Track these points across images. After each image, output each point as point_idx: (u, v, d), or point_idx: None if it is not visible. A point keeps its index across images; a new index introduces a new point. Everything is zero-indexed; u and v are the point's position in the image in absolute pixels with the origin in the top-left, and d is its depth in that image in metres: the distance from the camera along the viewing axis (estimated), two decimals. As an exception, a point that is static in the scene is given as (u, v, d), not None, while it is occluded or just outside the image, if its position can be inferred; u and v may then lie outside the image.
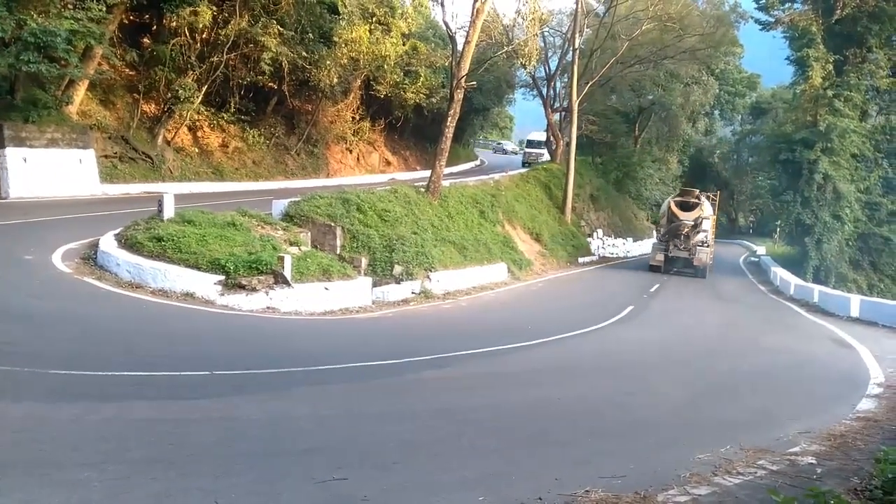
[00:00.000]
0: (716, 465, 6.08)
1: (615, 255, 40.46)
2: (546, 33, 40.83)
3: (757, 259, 46.23)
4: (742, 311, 23.98)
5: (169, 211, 16.07)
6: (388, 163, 45.89)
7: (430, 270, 19.80)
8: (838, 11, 38.42)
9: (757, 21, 42.86)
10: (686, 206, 32.05)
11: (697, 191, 34.04)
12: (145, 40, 29.84)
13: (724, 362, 14.30)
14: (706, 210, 32.71)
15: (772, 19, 42.10)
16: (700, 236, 31.95)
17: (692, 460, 6.27)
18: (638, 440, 7.73)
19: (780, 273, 33.09)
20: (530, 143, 54.11)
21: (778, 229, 60.94)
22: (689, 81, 51.04)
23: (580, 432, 7.92)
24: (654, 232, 37.52)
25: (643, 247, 46.82)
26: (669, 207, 32.80)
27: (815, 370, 13.95)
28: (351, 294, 16.25)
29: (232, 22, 28.81)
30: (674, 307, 23.10)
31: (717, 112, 71.33)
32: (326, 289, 15.51)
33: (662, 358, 14.37)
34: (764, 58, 54.66)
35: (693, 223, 31.48)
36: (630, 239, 44.73)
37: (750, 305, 25.92)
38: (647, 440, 7.75)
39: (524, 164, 48.53)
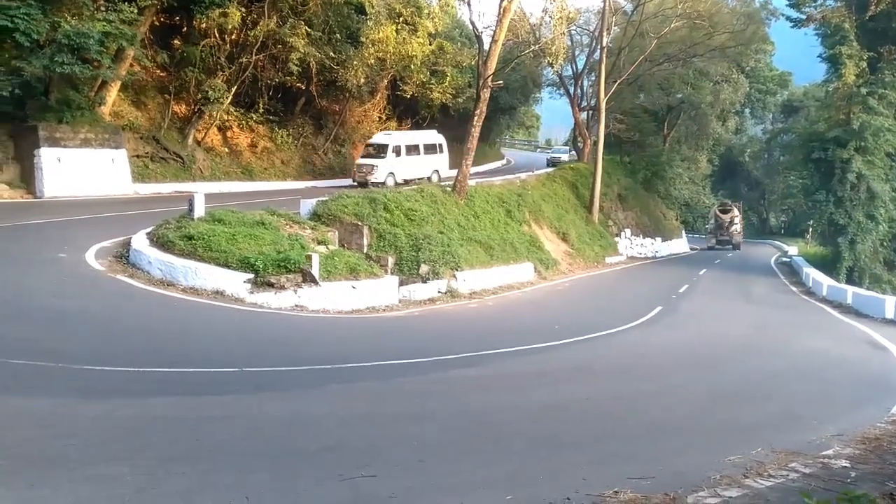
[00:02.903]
0: (746, 468, 5.98)
1: (643, 255, 40.08)
2: (573, 32, 40.65)
3: (788, 259, 45.43)
4: (773, 313, 23.59)
5: (199, 210, 16.29)
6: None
7: (457, 270, 19.80)
8: (872, 8, 37.55)
9: (788, 18, 42.08)
10: (725, 211, 53.36)
11: (730, 202, 55.61)
12: (176, 42, 30.26)
13: (753, 364, 14.09)
14: (737, 212, 53.54)
15: (803, 16, 41.30)
16: (734, 227, 52.41)
17: (722, 462, 6.18)
18: (664, 441, 7.65)
19: (813, 274, 32.52)
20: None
21: (810, 229, 59.90)
22: (718, 79, 50.33)
23: (606, 433, 7.85)
24: (704, 228, 57.16)
25: (672, 247, 46.36)
26: (715, 212, 53.83)
27: (847, 372, 13.67)
28: (378, 293, 16.31)
29: (260, 23, 29.10)
30: (703, 308, 22.81)
31: (747, 110, 70.21)
32: (354, 287, 15.59)
33: (690, 359, 14.20)
34: (795, 55, 53.74)
35: (730, 220, 52.25)
36: (658, 239, 44.25)
37: (781, 306, 25.49)
38: (673, 441, 7.66)
39: (549, 164, 47.95)
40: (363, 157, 31.70)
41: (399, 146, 31.00)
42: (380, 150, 30.83)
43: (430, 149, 33.27)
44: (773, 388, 11.68)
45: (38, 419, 6.20)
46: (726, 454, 6.50)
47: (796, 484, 5.52)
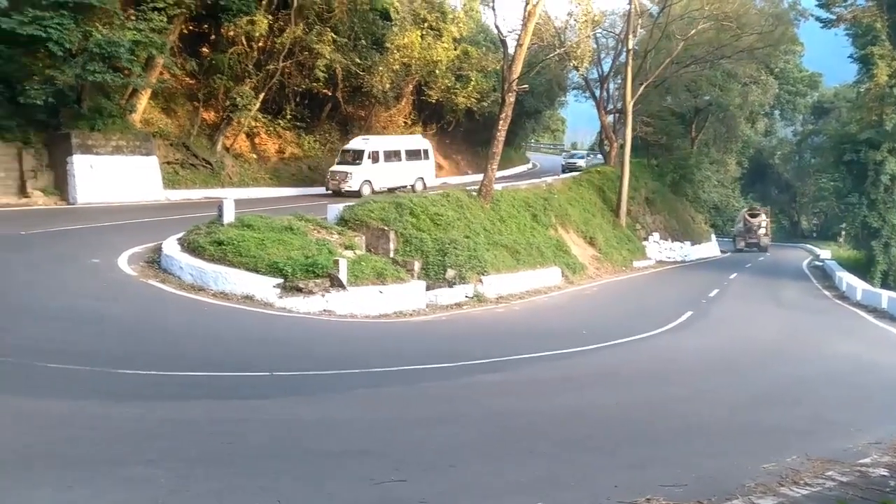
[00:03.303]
0: (781, 475, 5.88)
1: (672, 259, 39.65)
2: (599, 34, 40.42)
3: (821, 263, 44.62)
4: (805, 317, 23.20)
5: (229, 216, 16.48)
6: (440, 167, 45.96)
7: (483, 274, 19.77)
8: (905, 6, 36.90)
9: (817, 18, 41.44)
10: (754, 216, 55.17)
11: (758, 207, 58.48)
12: (204, 49, 30.68)
13: (785, 369, 13.88)
14: (765, 217, 55.59)
15: (833, 16, 40.64)
16: (762, 230, 54.56)
17: (756, 469, 6.08)
18: (696, 447, 7.55)
19: (846, 278, 31.93)
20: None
21: (843, 232, 58.92)
22: (747, 81, 49.70)
23: (636, 438, 7.77)
24: (733, 234, 57.20)
25: (701, 250, 45.81)
26: (744, 217, 55.36)
27: (883, 378, 13.39)
28: (404, 297, 16.34)
29: (287, 30, 29.40)
30: (734, 313, 22.50)
31: (777, 112, 69.31)
32: (381, 292, 15.63)
33: (721, 364, 14.02)
34: (825, 56, 52.96)
35: (758, 224, 54.46)
36: (688, 242, 43.76)
37: (813, 311, 25.06)
38: (705, 448, 7.56)
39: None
40: (338, 163, 29.77)
41: (376, 152, 29.46)
42: (356, 157, 29.23)
43: (414, 155, 31.62)
44: (806, 393, 11.48)
45: (75, 422, 6.31)
46: (760, 461, 6.40)
47: (833, 493, 5.42)
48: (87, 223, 19.02)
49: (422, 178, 31.52)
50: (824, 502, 5.19)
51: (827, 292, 31.03)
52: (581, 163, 48.55)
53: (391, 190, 28.69)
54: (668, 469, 6.29)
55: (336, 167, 29.37)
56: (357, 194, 26.98)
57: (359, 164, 28.89)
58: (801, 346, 17.18)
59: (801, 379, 12.90)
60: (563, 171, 44.63)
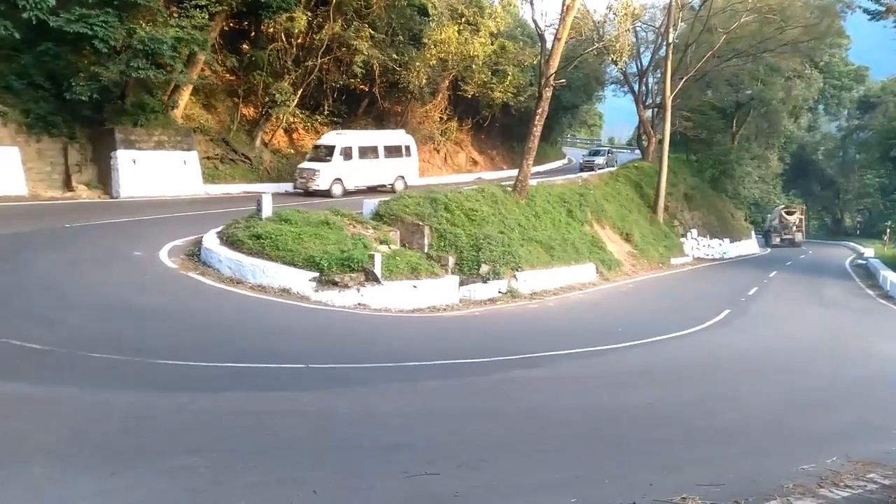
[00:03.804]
0: (821, 477, 5.78)
1: (710, 257, 39.07)
2: (638, 28, 39.89)
3: (864, 262, 43.48)
4: (847, 317, 22.68)
5: (267, 210, 16.71)
6: (475, 162, 45.96)
7: (517, 270, 19.72)
8: (959, -3, 35.71)
9: (865, 10, 40.25)
10: (790, 213, 57.85)
11: (794, 205, 60.68)
12: (244, 46, 31.06)
13: (826, 370, 13.59)
14: (800, 215, 58.35)
15: (882, 8, 39.42)
16: (796, 227, 57.18)
17: (795, 471, 5.98)
18: (732, 448, 7.45)
19: (891, 277, 31.06)
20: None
21: (888, 230, 57.40)
22: (790, 75, 48.59)
23: (671, 437, 7.70)
24: (765, 229, 58.57)
25: (741, 248, 45.04)
26: (780, 214, 57.98)
27: (930, 381, 13.04)
28: (438, 292, 16.39)
29: (326, 27, 29.61)
30: (773, 311, 22.11)
31: (821, 107, 67.59)
32: (415, 287, 15.71)
33: (759, 363, 13.78)
34: (872, 48, 51.41)
35: (794, 221, 57.09)
36: (727, 239, 43.04)
37: (856, 310, 24.48)
38: (741, 448, 7.45)
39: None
40: (309, 159, 27.65)
41: (349, 148, 27.29)
42: (327, 153, 26.98)
43: (393, 151, 29.32)
44: (847, 394, 11.25)
45: (119, 412, 6.49)
46: (799, 462, 6.30)
47: (875, 496, 5.32)
48: (129, 217, 19.44)
49: (402, 177, 29.34)
50: (865, 506, 5.09)
51: (870, 291, 30.28)
52: (600, 160, 44.68)
53: (367, 189, 27.24)
54: (705, 469, 6.22)
55: (305, 164, 27.33)
56: (327, 194, 25.73)
57: (329, 160, 26.74)
58: (843, 347, 16.80)
59: (842, 380, 12.64)
60: (581, 171, 40.77)
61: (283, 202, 22.33)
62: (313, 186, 25.87)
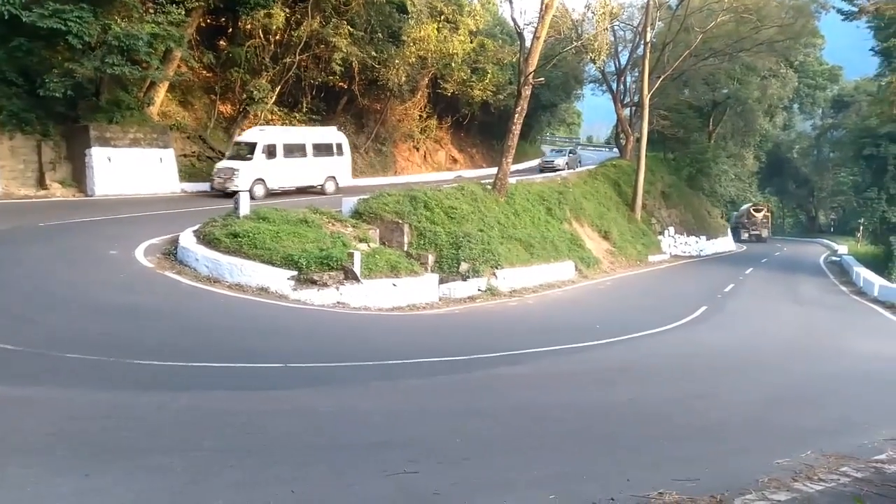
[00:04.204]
0: (795, 471, 5.86)
1: (687, 254, 39.47)
2: (616, 27, 40.16)
3: (838, 259, 44.15)
4: (822, 313, 23.02)
5: (244, 208, 16.61)
6: (455, 160, 45.99)
7: (497, 268, 19.78)
8: (930, -2, 36.32)
9: (839, 11, 40.82)
10: (758, 211, 60.49)
11: (761, 203, 63.01)
12: (221, 43, 30.81)
13: (801, 366, 13.78)
14: (766, 212, 61.44)
15: (855, 9, 40.00)
16: (762, 224, 60.07)
17: (770, 465, 6.07)
18: (710, 444, 7.54)
19: (864, 273, 31.59)
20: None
21: (861, 227, 58.31)
22: (766, 74, 49.23)
23: (650, 434, 7.76)
24: (734, 226, 59.13)
25: (717, 245, 45.53)
26: (749, 210, 60.63)
27: (901, 375, 13.27)
28: (418, 290, 16.40)
29: (304, 23, 29.47)
30: (749, 308, 22.37)
31: (796, 106, 68.52)
32: (394, 285, 15.70)
33: (736, 360, 13.94)
34: (846, 49, 52.24)
35: (762, 218, 60.02)
36: (703, 237, 43.51)
37: (830, 307, 24.86)
38: (719, 444, 7.54)
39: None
40: (228, 157, 25.47)
41: (273, 145, 25.13)
42: (249, 151, 24.91)
43: (324, 150, 27.31)
44: (822, 390, 11.42)
45: (96, 411, 6.42)
46: (775, 457, 6.39)
47: (848, 489, 5.40)
48: (104, 215, 19.20)
49: (333, 178, 27.45)
50: (839, 498, 5.17)
51: (844, 288, 30.76)
52: (560, 161, 41.07)
53: (294, 191, 25.88)
54: (684, 465, 6.27)
55: (223, 162, 25.11)
56: (249, 194, 22.10)
57: (250, 159, 24.60)
58: (817, 343, 17.06)
59: (817, 376, 12.83)
60: (541, 171, 37.99)
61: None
62: (232, 187, 23.19)
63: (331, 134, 28.52)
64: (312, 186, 26.83)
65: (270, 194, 24.52)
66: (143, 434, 5.93)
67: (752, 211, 60.27)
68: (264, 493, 4.85)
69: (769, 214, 62.43)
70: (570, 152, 45.35)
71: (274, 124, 32.23)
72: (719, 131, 53.04)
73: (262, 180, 24.66)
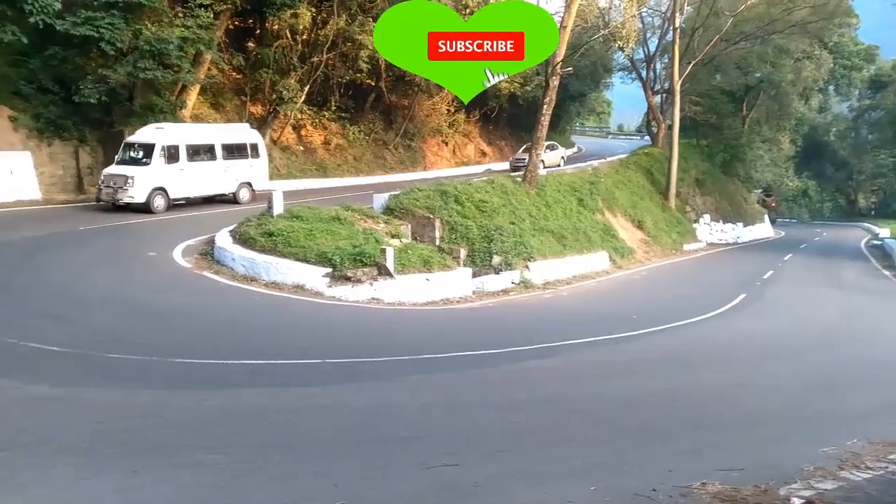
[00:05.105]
0: (841, 459, 5.74)
1: (724, 241, 38.86)
2: (644, 13, 39.54)
3: (880, 242, 43.11)
4: (863, 298, 22.50)
5: (278, 207, 16.78)
6: (484, 153, 45.90)
7: (529, 260, 19.69)
8: (970, -29, 35.22)
9: (876, -13, 39.90)
10: (769, 195, 58.73)
11: (770, 188, 60.61)
12: (250, 44, 31.14)
13: (844, 353, 13.50)
14: (775, 196, 61.21)
15: (893, -16, 39.01)
16: (774, 206, 58.90)
17: (815, 453, 5.95)
18: (751, 433, 7.41)
19: (907, 257, 30.86)
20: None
21: (903, 210, 56.89)
22: (800, 56, 48.10)
23: (689, 424, 7.68)
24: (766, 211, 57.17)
25: (755, 231, 44.75)
26: (762, 197, 58.63)
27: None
28: (451, 285, 16.39)
29: (330, 22, 29.63)
30: (789, 295, 21.97)
31: (831, 87, 66.95)
32: (427, 280, 15.72)
33: (778, 348, 13.72)
34: (882, 27, 51.07)
35: (773, 201, 58.84)
36: (740, 224, 42.77)
37: (873, 292, 24.28)
38: (760, 433, 7.41)
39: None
40: (118, 162, 20.59)
41: (174, 147, 20.87)
42: (145, 153, 20.40)
43: (236, 152, 23.18)
44: (866, 377, 11.17)
45: (139, 409, 6.55)
46: (820, 445, 6.26)
47: (897, 476, 5.28)
48: (141, 218, 19.54)
49: (248, 184, 23.50)
50: (886, 486, 5.06)
51: (887, 272, 30.04)
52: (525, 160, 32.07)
53: (201, 201, 22.31)
54: (725, 455, 6.19)
55: (112, 168, 20.45)
56: (144, 208, 19.82)
57: (146, 163, 20.22)
58: (860, 329, 16.70)
59: (861, 362, 12.55)
60: (513, 171, 31.46)
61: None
62: (125, 199, 19.63)
63: (244, 132, 24.46)
64: (223, 195, 22.91)
65: (172, 206, 20.86)
66: (185, 431, 6.03)
67: (763, 197, 60.13)
68: (306, 486, 4.91)
69: (778, 199, 63.41)
70: (549, 148, 35.47)
71: (304, 123, 32.39)
72: (753, 116, 52.01)
73: (163, 190, 20.54)
